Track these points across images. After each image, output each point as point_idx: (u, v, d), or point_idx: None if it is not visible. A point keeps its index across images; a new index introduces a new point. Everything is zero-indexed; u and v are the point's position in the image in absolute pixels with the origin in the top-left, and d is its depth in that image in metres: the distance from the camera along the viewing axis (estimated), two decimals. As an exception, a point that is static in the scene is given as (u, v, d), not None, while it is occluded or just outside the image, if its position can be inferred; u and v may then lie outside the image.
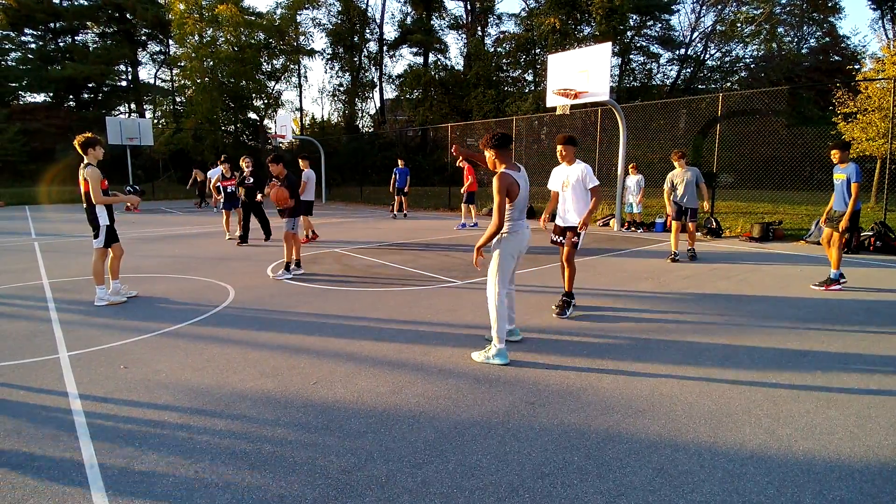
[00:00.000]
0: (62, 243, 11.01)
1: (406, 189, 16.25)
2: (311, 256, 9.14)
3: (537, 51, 34.62)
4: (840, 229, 6.49)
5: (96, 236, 6.00)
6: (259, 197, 10.23)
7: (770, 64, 33.76)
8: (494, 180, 3.90)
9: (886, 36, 32.44)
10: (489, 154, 4.10)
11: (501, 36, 38.58)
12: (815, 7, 34.03)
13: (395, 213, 16.73)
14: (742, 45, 35.64)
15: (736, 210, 15.01)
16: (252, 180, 10.61)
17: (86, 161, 5.82)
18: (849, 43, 34.04)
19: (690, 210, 8.45)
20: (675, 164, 8.46)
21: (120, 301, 6.03)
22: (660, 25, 37.12)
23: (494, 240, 4.09)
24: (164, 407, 3.40)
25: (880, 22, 34.30)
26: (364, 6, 39.13)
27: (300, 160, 10.47)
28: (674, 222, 8.63)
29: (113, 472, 2.67)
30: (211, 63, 32.54)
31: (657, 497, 2.44)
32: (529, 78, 36.78)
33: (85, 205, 5.92)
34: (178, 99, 39.94)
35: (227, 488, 2.53)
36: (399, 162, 16.05)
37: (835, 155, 6.65)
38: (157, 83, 42.28)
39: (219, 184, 11.53)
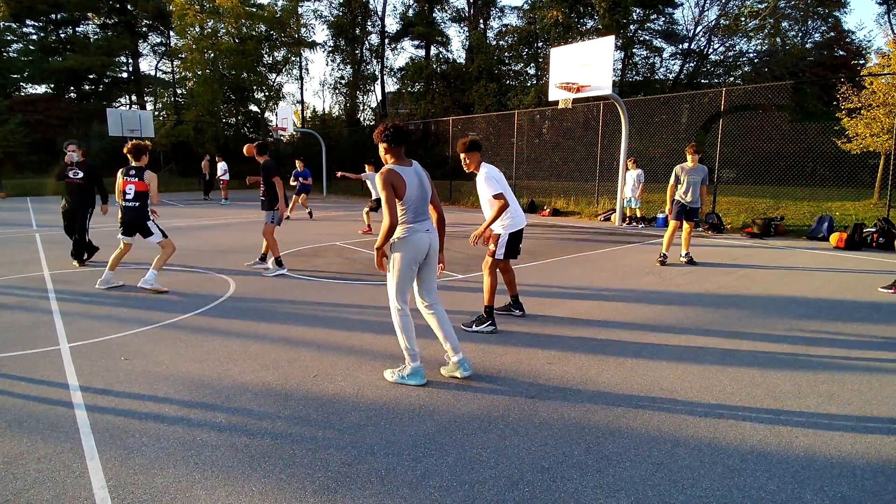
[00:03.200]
0: (63, 235, 10.99)
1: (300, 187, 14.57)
2: (312, 250, 9.14)
3: (540, 44, 34.45)
4: None
5: (149, 233, 6.30)
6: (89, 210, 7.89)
7: (774, 59, 33.55)
8: (377, 177, 3.43)
9: (892, 31, 32.19)
10: (382, 147, 3.54)
11: (504, 29, 38.42)
12: (820, 1, 33.80)
13: (289, 215, 14.03)
14: (746, 39, 35.42)
15: (738, 205, 14.96)
16: (81, 174, 7.56)
17: (134, 164, 6.27)
18: (854, 38, 33.82)
19: (694, 210, 7.84)
20: (689, 157, 7.78)
21: (162, 290, 6.23)
22: (663, 19, 36.84)
23: (388, 243, 3.55)
24: (164, 399, 3.40)
25: (886, 17, 34.06)
26: (366, -2, 38.95)
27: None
28: (673, 221, 7.89)
29: (113, 464, 2.67)
30: (212, 55, 32.40)
31: (657, 492, 2.44)
32: (532, 71, 36.63)
33: (136, 203, 6.23)
34: (178, 91, 39.78)
35: (227, 480, 2.54)
36: (298, 164, 14.52)
37: None
38: (157, 75, 42.17)
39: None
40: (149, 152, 6.45)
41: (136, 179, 6.23)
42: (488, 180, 4.58)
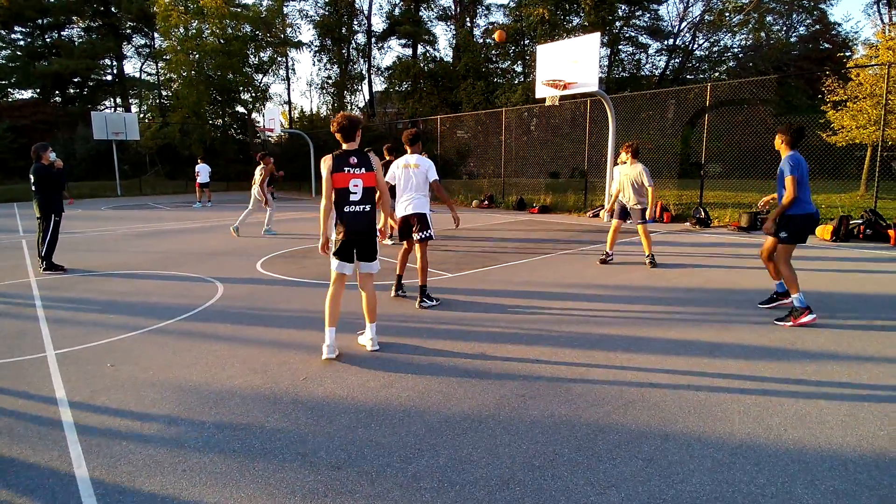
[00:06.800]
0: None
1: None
2: (301, 252, 9.08)
3: (526, 42, 34.51)
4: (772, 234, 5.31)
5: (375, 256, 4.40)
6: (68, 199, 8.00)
7: (758, 53, 33.85)
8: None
9: (882, 21, 32.42)
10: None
11: (490, 27, 38.44)
12: (805, -6, 34.09)
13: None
14: (730, 34, 35.72)
15: (724, 200, 15.05)
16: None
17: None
18: (840, 30, 34.11)
19: (637, 211, 7.28)
20: (624, 156, 7.27)
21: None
22: (648, 15, 37.10)
23: None
24: (151, 405, 3.36)
25: (876, 6, 34.29)
26: (351, -3, 38.77)
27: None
28: (614, 220, 7.51)
29: (101, 472, 2.63)
30: (197, 56, 32.06)
31: (647, 488, 2.45)
32: (519, 69, 36.71)
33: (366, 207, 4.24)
34: (164, 93, 39.38)
35: (215, 487, 2.51)
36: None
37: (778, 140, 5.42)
38: (142, 77, 41.77)
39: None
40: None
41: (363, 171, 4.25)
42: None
